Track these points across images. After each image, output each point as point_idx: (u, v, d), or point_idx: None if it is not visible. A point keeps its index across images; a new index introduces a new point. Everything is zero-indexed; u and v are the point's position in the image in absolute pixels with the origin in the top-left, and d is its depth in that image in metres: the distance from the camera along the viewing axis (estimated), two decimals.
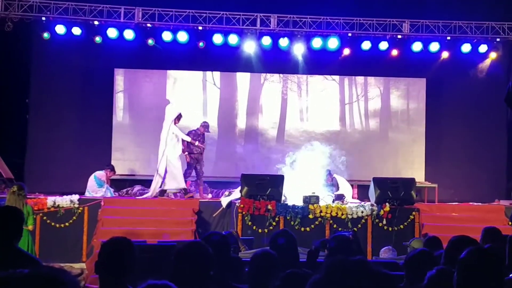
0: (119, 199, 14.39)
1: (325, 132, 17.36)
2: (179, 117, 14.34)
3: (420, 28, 16.15)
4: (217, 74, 17.61)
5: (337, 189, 15.13)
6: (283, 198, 13.55)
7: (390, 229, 12.86)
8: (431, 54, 16.50)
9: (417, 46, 16.26)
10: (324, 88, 17.71)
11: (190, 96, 17.39)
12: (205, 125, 14.96)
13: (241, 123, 17.65)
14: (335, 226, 12.85)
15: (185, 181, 14.28)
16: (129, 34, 15.76)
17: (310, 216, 12.89)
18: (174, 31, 15.81)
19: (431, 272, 4.25)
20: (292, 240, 5.76)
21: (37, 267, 2.03)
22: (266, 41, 16.05)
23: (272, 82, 17.71)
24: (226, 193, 14.24)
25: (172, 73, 17.56)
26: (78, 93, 16.79)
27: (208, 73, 17.58)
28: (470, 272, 3.50)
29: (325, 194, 14.10)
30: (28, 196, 11.34)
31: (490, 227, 6.65)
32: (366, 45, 16.20)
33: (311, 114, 17.69)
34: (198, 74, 17.59)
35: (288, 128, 17.55)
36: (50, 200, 13.26)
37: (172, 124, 14.15)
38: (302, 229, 12.74)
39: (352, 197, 15.21)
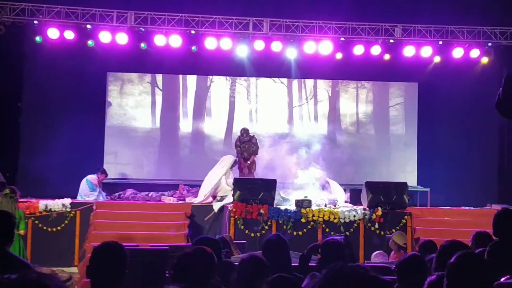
0: (111, 203, 14.36)
1: (273, 134, 17.37)
2: (234, 164, 14.66)
3: (412, 33, 16.18)
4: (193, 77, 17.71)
5: (330, 193, 15.14)
6: (280, 198, 13.66)
7: (382, 233, 12.88)
8: (423, 59, 16.53)
9: (409, 51, 16.29)
10: (272, 90, 17.74)
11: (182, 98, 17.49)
12: (244, 131, 15.38)
13: (187, 126, 17.66)
14: (327, 230, 12.86)
15: None
16: (121, 38, 15.73)
17: (303, 220, 12.91)
18: (167, 35, 15.79)
19: (432, 278, 4.26)
20: (284, 244, 5.77)
21: (25, 273, 2.03)
22: (259, 45, 16.06)
23: (219, 85, 17.79)
24: (218, 197, 14.25)
25: (204, 78, 17.72)
26: (71, 96, 16.73)
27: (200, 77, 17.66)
28: (459, 276, 3.51)
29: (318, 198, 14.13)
30: (20, 200, 11.33)
31: (481, 231, 6.67)
32: (358, 49, 16.22)
33: (261, 116, 17.73)
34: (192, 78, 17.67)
35: (236, 131, 17.41)
36: (42, 204, 13.23)
37: (230, 171, 14.49)
38: (295, 233, 12.75)
39: (345, 201, 15.21)
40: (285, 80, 17.75)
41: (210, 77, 17.68)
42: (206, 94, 17.71)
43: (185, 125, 17.58)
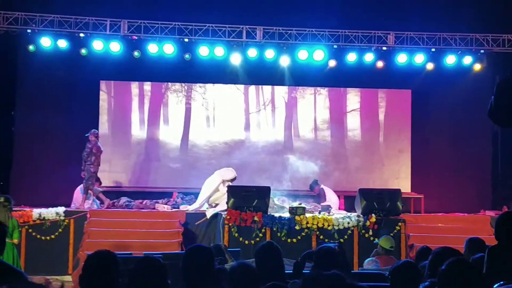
0: (105, 211, 14.34)
1: (229, 141, 17.41)
2: (233, 180, 14.55)
3: (405, 40, 16.23)
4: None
5: (324, 200, 15.18)
6: (274, 205, 13.67)
7: (376, 240, 12.86)
8: (416, 66, 16.58)
9: (402, 58, 16.34)
10: (228, 96, 17.62)
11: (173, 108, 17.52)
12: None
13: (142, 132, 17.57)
14: (321, 237, 12.87)
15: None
16: (115, 46, 15.74)
17: (297, 227, 12.91)
18: (160, 43, 15.80)
19: (424, 284, 4.27)
20: (277, 252, 5.77)
21: (15, 283, 2.03)
22: (252, 53, 16.10)
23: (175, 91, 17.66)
24: (213, 204, 14.25)
25: (158, 85, 17.60)
26: (64, 105, 16.71)
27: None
28: (450, 283, 3.52)
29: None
30: (13, 209, 11.31)
31: (474, 237, 6.69)
32: (351, 57, 16.27)
33: (218, 123, 17.62)
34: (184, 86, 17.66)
35: (192, 138, 17.42)
36: (36, 212, 13.21)
37: (223, 184, 14.31)
38: (289, 240, 12.76)
39: (339, 208, 15.24)
40: (241, 86, 17.62)
41: (165, 84, 17.58)
42: (161, 100, 17.66)
43: (140, 132, 17.51)
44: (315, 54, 16.13)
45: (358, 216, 13.30)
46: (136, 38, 15.87)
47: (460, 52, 16.37)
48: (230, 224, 12.79)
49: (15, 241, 10.58)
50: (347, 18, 16.44)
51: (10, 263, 9.22)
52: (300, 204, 13.62)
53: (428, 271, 4.88)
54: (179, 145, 17.45)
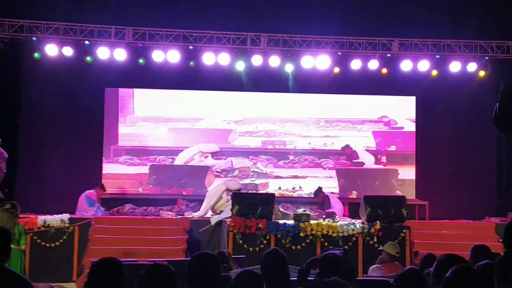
0: (110, 218, 14.35)
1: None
2: (238, 191, 14.49)
3: (409, 47, 16.25)
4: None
5: (329, 206, 15.17)
6: (279, 212, 13.67)
7: (380, 246, 12.83)
8: (421, 72, 16.57)
9: (406, 65, 16.34)
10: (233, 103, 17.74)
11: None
12: None
13: None
14: (326, 244, 12.84)
15: None
16: (119, 54, 15.77)
17: (301, 234, 12.88)
18: (165, 51, 15.84)
19: None
20: (283, 259, 5.77)
21: None
22: (257, 60, 16.11)
23: None
24: (218, 211, 14.25)
25: (164, 92, 17.63)
26: (69, 112, 16.75)
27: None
28: None
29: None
30: (19, 216, 11.33)
31: (479, 244, 6.67)
32: (355, 63, 16.27)
33: None
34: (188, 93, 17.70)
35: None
36: (41, 219, 13.21)
37: (226, 192, 14.28)
38: (293, 247, 12.73)
39: (343, 215, 15.22)
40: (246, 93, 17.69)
41: (169, 91, 17.64)
42: (165, 108, 17.74)
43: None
44: (320, 61, 16.15)
45: (362, 223, 13.28)
46: (141, 45, 15.91)
47: (464, 58, 16.37)
48: (235, 231, 12.78)
49: (23, 247, 10.61)
50: (351, 25, 16.44)
51: (18, 270, 9.25)
52: (305, 211, 13.61)
53: (433, 278, 4.86)
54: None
